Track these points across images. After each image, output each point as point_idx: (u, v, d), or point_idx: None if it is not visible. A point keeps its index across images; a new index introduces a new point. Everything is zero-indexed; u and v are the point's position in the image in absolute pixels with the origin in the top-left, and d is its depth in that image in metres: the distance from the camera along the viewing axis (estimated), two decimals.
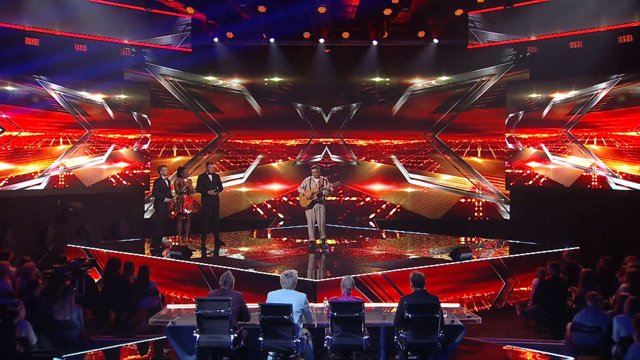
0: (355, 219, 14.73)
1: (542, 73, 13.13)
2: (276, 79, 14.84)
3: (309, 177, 10.29)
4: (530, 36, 13.12)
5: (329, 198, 10.45)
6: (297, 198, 10.40)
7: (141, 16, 13.03)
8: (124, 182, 13.69)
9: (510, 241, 11.70)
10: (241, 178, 14.87)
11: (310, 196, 10.10)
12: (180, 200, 10.77)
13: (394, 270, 8.63)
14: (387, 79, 14.82)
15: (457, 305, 7.53)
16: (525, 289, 9.61)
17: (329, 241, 11.07)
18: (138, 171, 13.86)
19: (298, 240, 11.88)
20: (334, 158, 15.07)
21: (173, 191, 10.80)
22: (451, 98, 14.48)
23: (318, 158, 15.00)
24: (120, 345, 7.52)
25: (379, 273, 8.52)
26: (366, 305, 6.36)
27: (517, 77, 13.69)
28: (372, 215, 14.92)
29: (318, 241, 10.30)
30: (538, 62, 13.08)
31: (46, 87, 12.43)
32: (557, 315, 7.67)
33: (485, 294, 9.32)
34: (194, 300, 6.26)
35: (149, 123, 14.08)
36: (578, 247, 10.14)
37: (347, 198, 14.91)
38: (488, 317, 8.16)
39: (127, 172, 13.77)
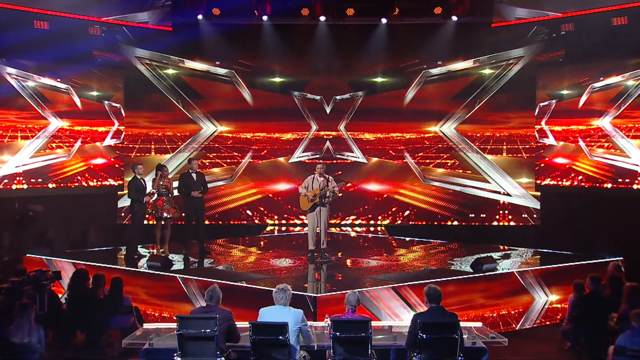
0: (361, 224, 14.69)
1: (579, 55, 13.09)
2: (271, 63, 14.78)
3: (312, 175, 10.26)
4: (565, 12, 13.07)
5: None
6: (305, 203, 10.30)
7: None
8: (94, 182, 13.64)
9: (541, 250, 11.68)
10: (230, 177, 14.83)
11: (312, 198, 10.04)
12: (160, 202, 10.73)
13: (406, 284, 8.60)
14: (398, 63, 14.76)
15: (479, 324, 7.51)
16: (559, 305, 9.57)
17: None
18: (114, 179, 13.83)
19: (295, 249, 11.83)
20: (337, 154, 15.02)
21: (153, 191, 10.75)
22: (472, 85, 14.43)
23: (318, 154, 14.96)
24: None
25: (389, 287, 8.48)
26: (373, 324, 6.35)
27: (549, 59, 13.65)
28: (380, 220, 14.88)
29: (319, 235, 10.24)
30: (574, 42, 13.04)
31: (1, 71, 12.38)
32: (597, 336, 7.62)
33: (512, 312, 9.30)
34: (174, 318, 6.24)
35: (123, 114, 14.06)
36: (621, 258, 10.09)
37: (351, 200, 14.86)
38: (515, 338, 8.12)
39: (97, 170, 13.73)
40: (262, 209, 14.92)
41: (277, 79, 14.86)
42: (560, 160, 13.69)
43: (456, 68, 14.51)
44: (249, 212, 14.91)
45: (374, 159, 15.02)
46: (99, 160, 13.76)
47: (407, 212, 14.85)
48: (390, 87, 14.87)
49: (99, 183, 13.74)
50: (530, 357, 7.95)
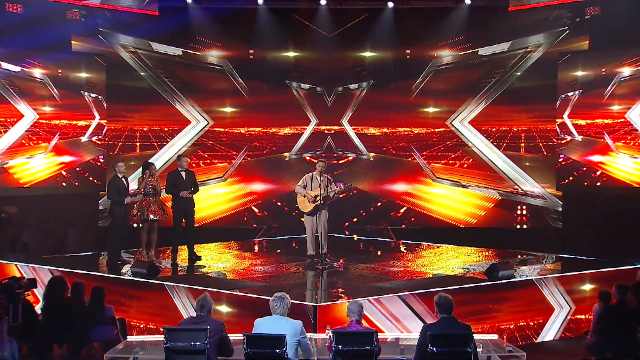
0: (366, 228, 14.68)
1: (605, 41, 13.09)
2: (266, 52, 14.77)
3: (311, 173, 10.26)
4: None
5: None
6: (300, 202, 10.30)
7: None
8: (73, 181, 13.63)
9: (563, 255, 11.66)
10: (222, 176, 14.82)
11: (314, 199, 10.03)
12: (146, 203, 10.73)
13: (415, 292, 8.59)
14: (406, 51, 14.75)
15: (494, 336, 7.51)
16: (583, 316, 9.55)
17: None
18: (96, 177, 13.80)
19: (294, 254, 11.82)
20: (339, 150, 15.01)
21: (139, 190, 10.74)
22: (487, 75, 14.42)
23: (318, 150, 14.94)
24: None
25: (396, 295, 8.47)
26: (379, 336, 6.32)
27: (572, 46, 13.62)
28: (386, 223, 14.86)
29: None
30: (600, 26, 13.04)
31: None
32: (624, 350, 7.59)
33: (531, 323, 9.28)
34: (161, 330, 6.23)
35: (105, 106, 14.03)
36: None
37: (355, 200, 14.83)
38: (535, 352, 8.13)
39: (77, 168, 13.72)
40: (256, 210, 14.91)
41: (274, 69, 14.82)
42: (583, 156, 13.66)
43: (469, 56, 14.48)
44: (243, 213, 14.89)
45: (380, 156, 15.00)
46: (79, 158, 13.72)
47: (415, 214, 14.83)
48: (397, 77, 14.85)
49: (79, 182, 13.70)
50: None
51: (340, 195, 10.35)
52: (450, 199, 14.77)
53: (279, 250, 12.66)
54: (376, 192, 15.00)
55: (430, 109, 14.79)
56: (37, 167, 13.28)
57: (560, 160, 13.91)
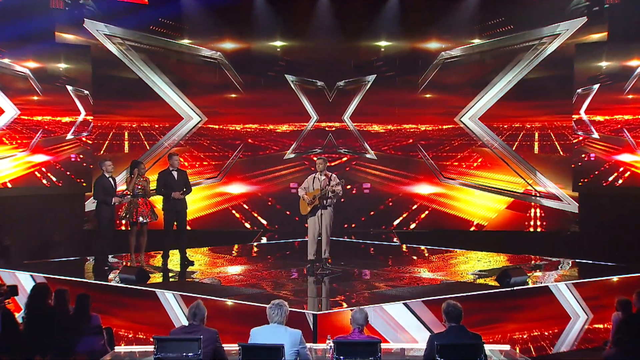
0: (369, 231, 14.68)
1: (625, 31, 13.13)
2: (263, 44, 14.77)
3: (313, 174, 10.28)
4: None
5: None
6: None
7: None
8: (57, 182, 13.63)
9: (580, 261, 11.66)
10: (216, 176, 14.83)
11: (311, 200, 10.03)
12: (134, 205, 10.74)
13: (421, 300, 8.59)
14: (412, 43, 14.75)
15: (506, 347, 7.52)
16: (601, 326, 9.54)
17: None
18: (81, 177, 13.80)
19: (293, 258, 11.82)
20: (341, 149, 15.01)
21: (127, 191, 10.76)
22: (499, 68, 14.42)
23: (319, 148, 14.95)
24: None
25: (401, 303, 8.47)
26: (383, 346, 6.31)
27: (590, 37, 13.64)
28: (391, 226, 14.86)
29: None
30: (620, 16, 13.07)
31: None
32: None
33: (545, 333, 9.28)
34: (151, 339, 6.22)
35: (91, 101, 14.03)
36: None
37: (358, 202, 14.84)
38: None
39: (60, 167, 13.72)
40: (253, 212, 14.91)
41: (271, 62, 14.83)
42: (602, 155, 13.66)
43: (480, 48, 14.49)
44: (238, 215, 14.90)
45: (384, 154, 15.00)
46: (64, 156, 13.73)
47: (422, 216, 14.84)
48: (402, 71, 14.85)
49: (63, 182, 13.71)
50: None
51: (339, 190, 10.20)
52: (458, 200, 14.78)
53: (278, 255, 12.68)
54: (380, 192, 14.99)
55: (438, 105, 14.78)
56: (19, 166, 13.27)
57: (592, 158, 13.82)
